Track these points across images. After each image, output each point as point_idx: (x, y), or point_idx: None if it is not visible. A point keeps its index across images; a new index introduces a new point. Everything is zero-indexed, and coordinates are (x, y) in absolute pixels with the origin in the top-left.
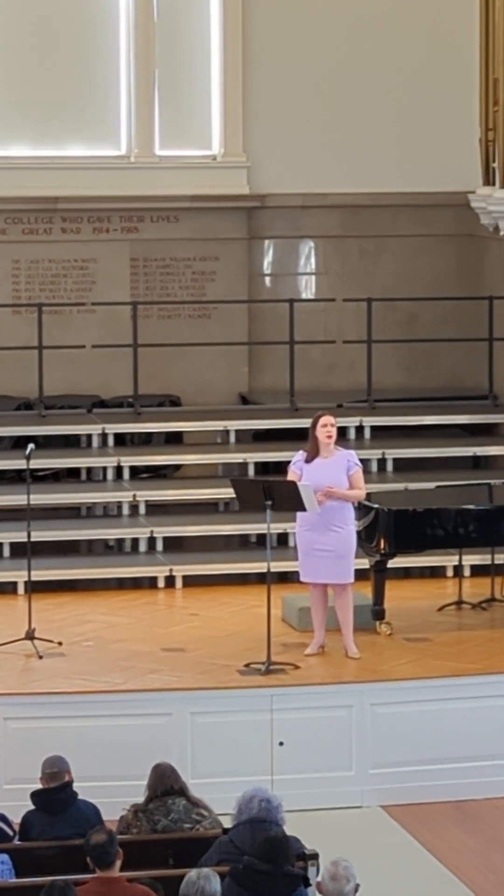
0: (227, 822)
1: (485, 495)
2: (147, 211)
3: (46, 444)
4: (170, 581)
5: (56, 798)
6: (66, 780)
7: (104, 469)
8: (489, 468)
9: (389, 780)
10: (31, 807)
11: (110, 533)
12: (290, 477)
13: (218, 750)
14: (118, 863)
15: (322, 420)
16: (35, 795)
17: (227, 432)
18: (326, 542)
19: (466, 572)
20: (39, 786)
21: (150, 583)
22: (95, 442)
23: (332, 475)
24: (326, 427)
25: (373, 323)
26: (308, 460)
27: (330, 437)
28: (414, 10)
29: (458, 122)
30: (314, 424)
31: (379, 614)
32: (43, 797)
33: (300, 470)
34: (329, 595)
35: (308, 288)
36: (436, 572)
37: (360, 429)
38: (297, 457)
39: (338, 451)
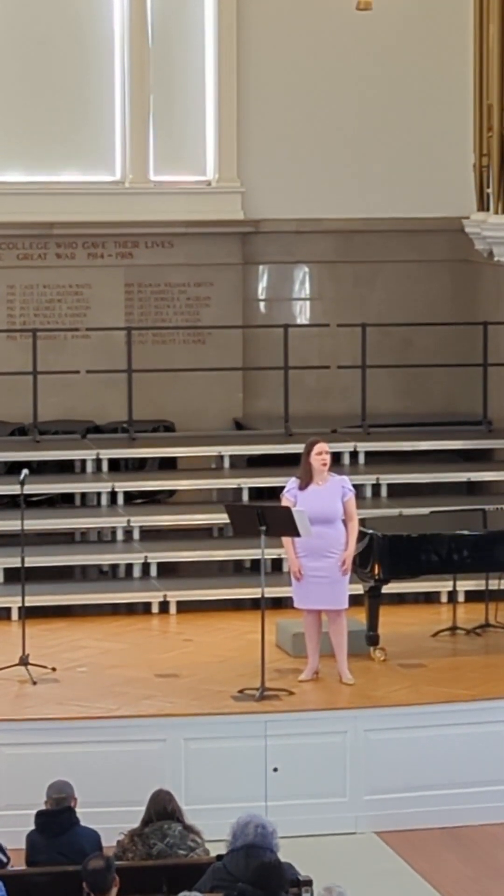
0: (221, 849)
1: (479, 521)
2: (141, 236)
3: (41, 469)
4: (164, 607)
5: (54, 821)
6: (70, 805)
7: (98, 494)
8: (483, 493)
9: (383, 806)
10: (28, 830)
11: (104, 558)
12: (285, 504)
13: (212, 776)
14: (114, 890)
15: (317, 448)
16: (37, 816)
17: (221, 458)
18: (320, 568)
19: (461, 598)
20: (36, 810)
21: (145, 608)
22: (90, 467)
23: (327, 502)
24: (322, 455)
25: (367, 348)
26: (302, 487)
27: (325, 464)
28: (408, 36)
29: (453, 148)
30: (307, 451)
31: (373, 640)
32: (42, 819)
33: (294, 497)
34: (323, 621)
35: (302, 313)
36: (430, 598)
37: (354, 454)
38: (290, 484)
39: (331, 476)
